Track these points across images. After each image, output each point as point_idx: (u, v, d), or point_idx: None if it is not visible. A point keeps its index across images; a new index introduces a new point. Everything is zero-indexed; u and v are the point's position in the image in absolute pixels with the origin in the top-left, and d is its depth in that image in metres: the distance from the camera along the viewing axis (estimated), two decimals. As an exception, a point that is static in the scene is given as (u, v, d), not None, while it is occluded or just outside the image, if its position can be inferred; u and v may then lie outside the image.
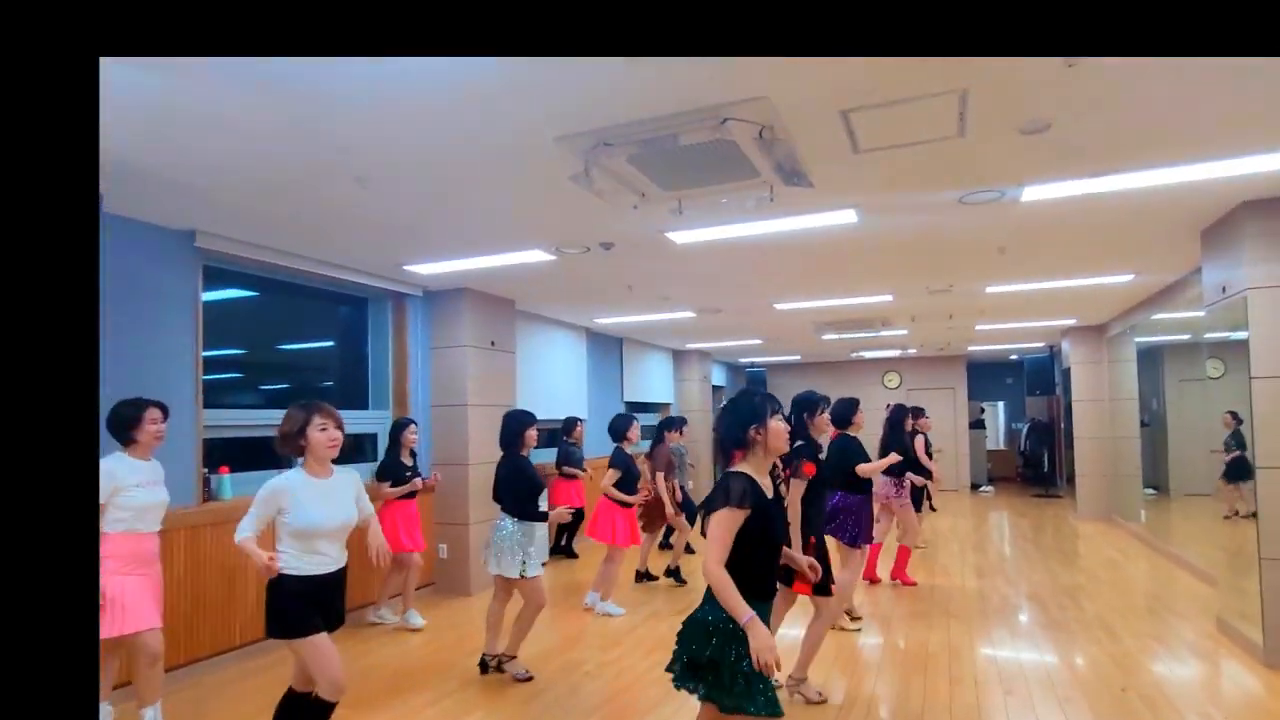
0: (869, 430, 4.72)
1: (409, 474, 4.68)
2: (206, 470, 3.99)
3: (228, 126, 2.57)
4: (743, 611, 1.87)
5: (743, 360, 13.24)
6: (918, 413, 6.72)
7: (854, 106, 2.52)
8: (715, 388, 11.90)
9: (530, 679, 3.65)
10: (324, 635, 2.36)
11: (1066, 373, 9.66)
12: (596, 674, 3.76)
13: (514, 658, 3.69)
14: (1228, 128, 2.79)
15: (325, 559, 2.40)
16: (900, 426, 5.85)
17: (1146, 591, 5.38)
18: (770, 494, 2.07)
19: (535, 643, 4.25)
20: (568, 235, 4.13)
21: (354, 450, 5.26)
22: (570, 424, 6.61)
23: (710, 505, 1.98)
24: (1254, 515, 3.78)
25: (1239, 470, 4.22)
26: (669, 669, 2.04)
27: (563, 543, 7.01)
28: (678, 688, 2.02)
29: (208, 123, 2.53)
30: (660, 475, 5.54)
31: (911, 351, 11.80)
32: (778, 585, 3.19)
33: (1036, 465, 12.54)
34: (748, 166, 2.93)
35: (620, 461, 4.97)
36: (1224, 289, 4.06)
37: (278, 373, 5.10)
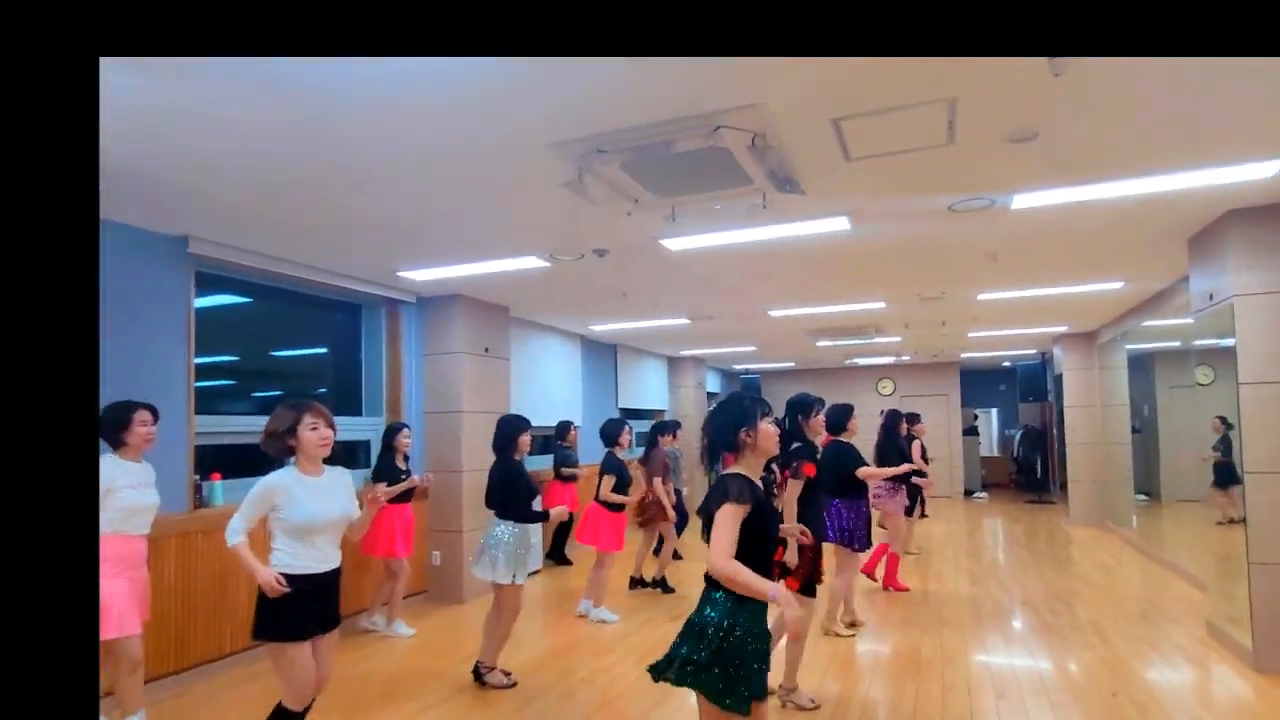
0: (863, 436, 4.75)
1: (404, 477, 4.68)
2: (198, 477, 3.97)
3: (220, 132, 2.58)
4: (765, 587, 1.87)
5: (737, 367, 13.27)
6: (913, 419, 6.75)
7: (845, 115, 2.55)
8: (710, 394, 11.91)
9: (514, 684, 3.65)
10: (305, 648, 2.32)
11: (1058, 379, 9.72)
12: (590, 680, 3.75)
13: (493, 668, 3.68)
14: (1212, 137, 2.83)
15: (321, 556, 2.38)
16: (895, 431, 5.87)
17: (1138, 597, 5.40)
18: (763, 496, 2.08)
19: (528, 650, 4.25)
20: (562, 242, 4.14)
21: (347, 457, 5.25)
22: (564, 428, 6.62)
23: (709, 507, 1.98)
24: (1243, 520, 3.81)
25: (1228, 475, 4.26)
26: (655, 668, 1.98)
27: (558, 549, 7.00)
28: (657, 679, 1.96)
29: (200, 128, 2.54)
30: (658, 479, 5.57)
31: (905, 358, 11.85)
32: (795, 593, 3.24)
33: (1029, 471, 12.59)
34: (740, 174, 2.95)
35: (613, 466, 4.97)
36: (1211, 296, 4.10)
37: (271, 379, 5.09)
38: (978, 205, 3.58)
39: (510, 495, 3.67)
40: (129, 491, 2.83)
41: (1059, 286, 5.78)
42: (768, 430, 2.06)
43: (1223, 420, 4.47)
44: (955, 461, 12.53)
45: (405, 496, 4.66)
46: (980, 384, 14.14)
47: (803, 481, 3.33)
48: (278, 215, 3.55)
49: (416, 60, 2.10)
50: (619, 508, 4.99)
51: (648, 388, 10.11)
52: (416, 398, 5.61)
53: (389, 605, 4.68)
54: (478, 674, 3.69)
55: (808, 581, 3.35)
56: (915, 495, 6.53)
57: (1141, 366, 7.75)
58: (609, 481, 4.92)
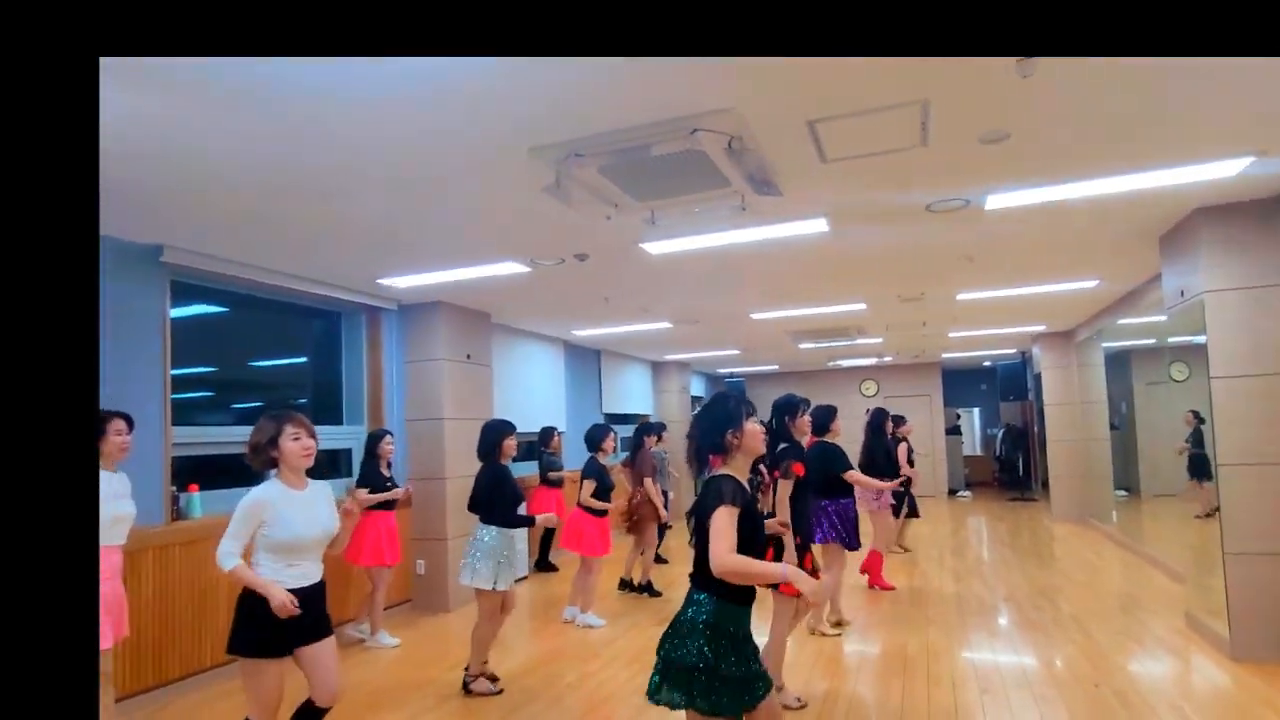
0: (848, 436, 4.78)
1: (388, 484, 4.64)
2: (175, 489, 3.92)
3: (193, 139, 2.55)
4: (774, 571, 1.91)
5: (721, 370, 13.31)
6: (899, 420, 6.80)
7: (820, 117, 2.58)
8: (694, 398, 11.94)
9: (501, 691, 3.63)
10: (276, 665, 2.29)
11: (1038, 378, 9.85)
12: (578, 685, 3.73)
13: (478, 675, 3.65)
14: (1178, 137, 2.89)
15: (304, 572, 2.35)
16: (881, 430, 5.92)
17: (1119, 590, 5.47)
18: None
19: (515, 657, 4.22)
20: (542, 247, 4.14)
21: (328, 466, 5.20)
22: (547, 434, 6.60)
23: (702, 510, 1.97)
24: (1217, 511, 3.88)
25: (1202, 468, 4.33)
26: (652, 692, 1.98)
27: (544, 556, 6.97)
28: (655, 702, 1.97)
29: (172, 135, 2.51)
30: (648, 479, 5.59)
31: (888, 359, 11.95)
32: (771, 593, 3.26)
33: (1012, 469, 12.73)
34: (718, 176, 2.97)
35: (593, 471, 4.97)
36: (1182, 293, 4.18)
37: (250, 390, 5.03)
38: (953, 206, 3.63)
39: (495, 499, 3.66)
40: (105, 502, 2.78)
41: (1035, 286, 5.86)
42: (754, 430, 2.07)
43: (1194, 414, 4.55)
44: (939, 461, 12.63)
45: (389, 505, 4.62)
46: (962, 384, 14.29)
47: (793, 481, 3.35)
48: (253, 223, 3.52)
49: (390, 64, 2.09)
50: (601, 512, 4.99)
51: (632, 392, 10.11)
52: (398, 406, 5.57)
53: (370, 616, 4.63)
54: (465, 683, 3.67)
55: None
56: (904, 495, 6.57)
57: (1118, 364, 7.87)
58: (589, 486, 4.91)
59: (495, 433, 3.74)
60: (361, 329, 5.50)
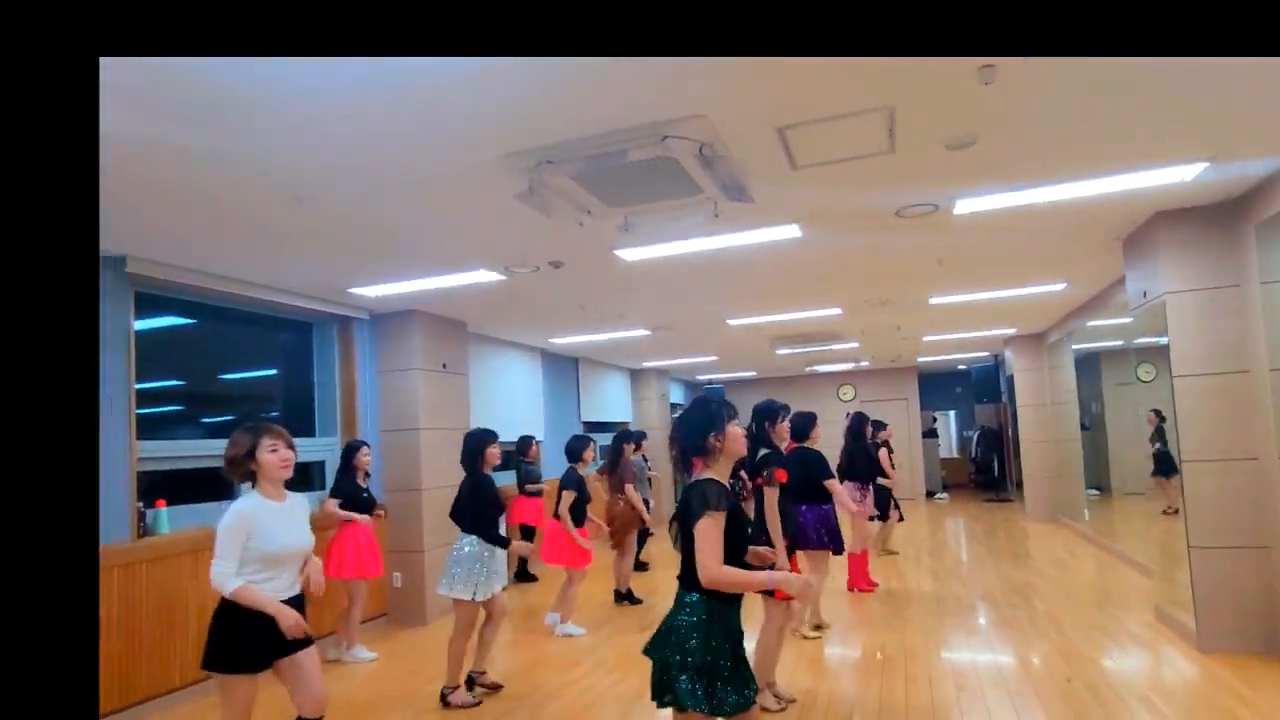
0: (827, 441, 4.83)
1: (365, 495, 4.58)
2: (142, 504, 3.83)
3: (154, 146, 2.51)
4: (761, 580, 1.97)
5: (700, 377, 13.35)
6: (879, 425, 6.86)
7: (789, 124, 2.61)
8: (674, 405, 11.96)
9: (479, 703, 3.60)
10: (250, 681, 2.26)
11: (1010, 380, 10.01)
12: (557, 695, 3.70)
13: (457, 686, 3.62)
14: (1137, 142, 2.97)
15: (284, 584, 2.32)
16: (861, 435, 5.98)
17: (1091, 587, 5.57)
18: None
19: (495, 667, 4.17)
20: (516, 254, 4.13)
21: (301, 478, 5.12)
22: (525, 443, 6.57)
23: (687, 516, 1.99)
24: (1176, 510, 3.96)
25: (1168, 465, 4.43)
26: (655, 695, 1.99)
27: (523, 566, 6.91)
28: (662, 705, 1.99)
29: (137, 142, 2.47)
30: (629, 485, 5.60)
31: (865, 364, 12.08)
32: (762, 596, 3.29)
33: (987, 471, 12.91)
34: (690, 183, 3.00)
35: (572, 482, 4.94)
36: (1145, 294, 4.29)
37: (220, 403, 4.94)
38: (923, 211, 3.69)
39: (477, 509, 3.64)
40: None
41: (1005, 289, 5.97)
42: (735, 433, 2.10)
43: (1156, 413, 4.66)
44: (916, 464, 12.77)
45: (364, 514, 4.56)
46: (937, 387, 14.48)
47: (777, 488, 3.37)
48: (219, 232, 3.46)
49: (357, 68, 2.08)
50: (579, 522, 4.96)
51: (611, 400, 10.10)
52: (372, 416, 5.51)
53: (347, 630, 4.55)
54: (469, 683, 3.67)
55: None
56: (887, 499, 6.64)
57: (1088, 365, 8.04)
58: (568, 497, 4.89)
59: (478, 441, 3.73)
60: (333, 339, 5.44)
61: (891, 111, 2.56)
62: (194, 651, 3.84)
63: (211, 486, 4.35)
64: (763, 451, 3.45)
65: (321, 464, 5.28)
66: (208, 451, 4.37)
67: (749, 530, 2.16)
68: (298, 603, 2.36)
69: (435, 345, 5.64)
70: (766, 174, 3.06)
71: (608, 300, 5.58)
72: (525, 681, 3.93)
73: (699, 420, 2.09)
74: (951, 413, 15.15)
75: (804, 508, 4.34)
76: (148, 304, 4.07)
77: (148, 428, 4.01)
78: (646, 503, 6.20)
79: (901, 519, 7.32)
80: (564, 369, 8.74)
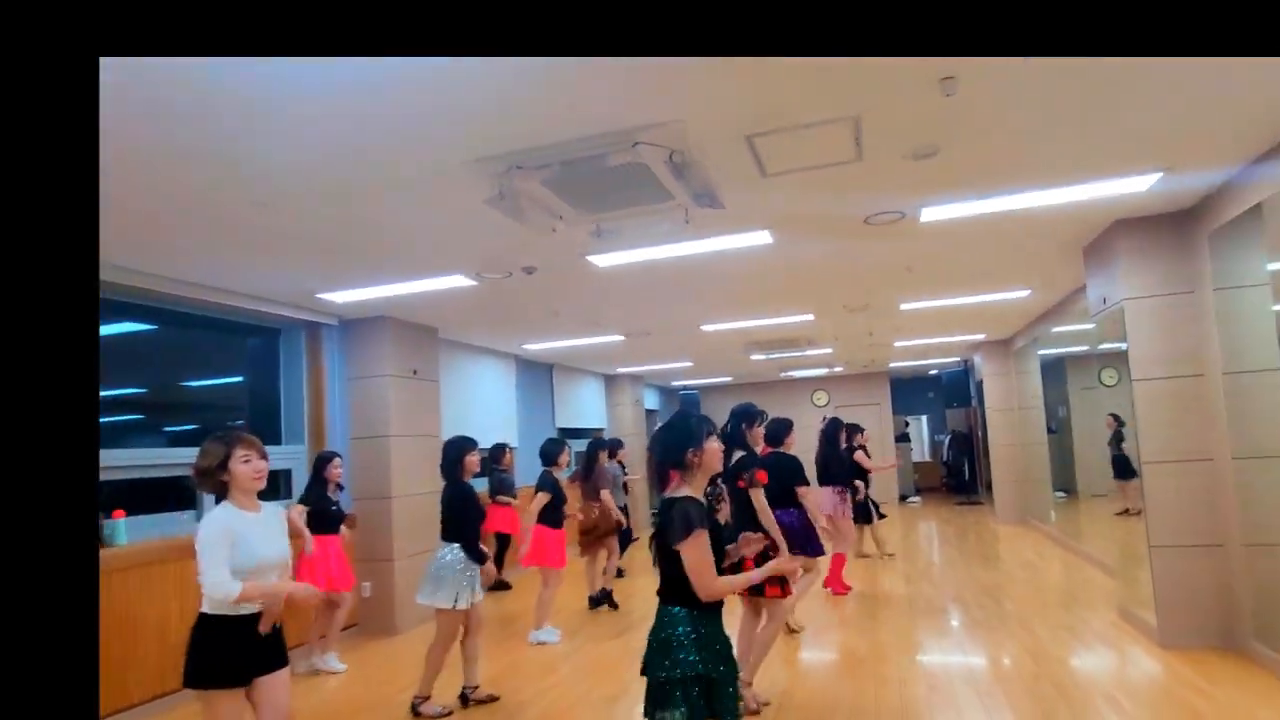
0: (801, 447, 4.88)
1: (334, 508, 4.51)
2: (100, 515, 3.72)
3: (119, 147, 2.46)
4: (755, 576, 2.09)
5: (675, 383, 13.38)
6: (855, 429, 6.94)
7: (758, 132, 2.64)
8: (649, 411, 11.96)
9: (449, 713, 3.56)
10: (237, 695, 2.21)
11: (980, 385, 10.20)
12: (533, 702, 3.67)
13: (428, 696, 3.57)
14: (1094, 153, 3.05)
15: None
16: (836, 441, 6.05)
17: (1058, 587, 5.68)
18: None
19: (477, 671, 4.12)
20: (488, 260, 4.11)
21: (268, 487, 5.01)
22: (499, 451, 6.52)
23: (667, 535, 2.01)
24: (1127, 511, 4.07)
25: (1122, 469, 4.55)
26: (650, 714, 2.01)
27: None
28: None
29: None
30: (605, 491, 5.63)
31: (838, 369, 12.21)
32: (749, 595, 3.39)
33: (958, 474, 13.11)
34: (661, 189, 3.01)
35: (547, 484, 4.93)
36: (1105, 301, 4.40)
37: (183, 411, 4.83)
38: (890, 218, 3.75)
39: (458, 517, 3.62)
40: None
41: (972, 296, 6.09)
42: (714, 450, 2.12)
43: (1114, 417, 4.77)
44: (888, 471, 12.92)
45: (333, 528, 4.48)
46: (909, 392, 14.69)
47: (761, 488, 3.39)
48: (182, 236, 3.39)
49: (322, 70, 2.06)
50: (558, 525, 4.96)
51: (585, 406, 10.08)
52: (341, 424, 5.43)
53: (325, 638, 4.49)
54: (464, 699, 3.62)
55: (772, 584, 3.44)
56: (865, 502, 6.73)
57: (1054, 370, 8.22)
58: (543, 498, 4.86)
59: (457, 449, 3.70)
60: (301, 345, 5.35)
61: (857, 121, 2.60)
62: (153, 667, 3.75)
63: (172, 497, 4.25)
64: (739, 454, 3.48)
65: (288, 473, 5.18)
66: (169, 460, 4.27)
67: (723, 535, 2.19)
68: (252, 623, 2.28)
69: (406, 351, 5.58)
70: (737, 181, 3.09)
71: (581, 306, 5.58)
72: (499, 688, 3.89)
73: (679, 435, 2.11)
74: (924, 417, 15.37)
75: (778, 512, 4.37)
76: (108, 309, 3.97)
77: (107, 436, 3.90)
78: (625, 509, 6.22)
79: (883, 516, 7.41)
80: (538, 375, 8.71)
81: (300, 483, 5.13)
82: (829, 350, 9.28)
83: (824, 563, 4.79)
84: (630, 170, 2.79)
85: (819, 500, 5.50)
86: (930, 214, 3.69)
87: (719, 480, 3.11)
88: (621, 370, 10.59)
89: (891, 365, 12.19)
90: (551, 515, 4.94)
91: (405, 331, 5.59)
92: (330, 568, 4.37)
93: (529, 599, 5.10)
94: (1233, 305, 3.71)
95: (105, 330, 3.99)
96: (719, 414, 3.24)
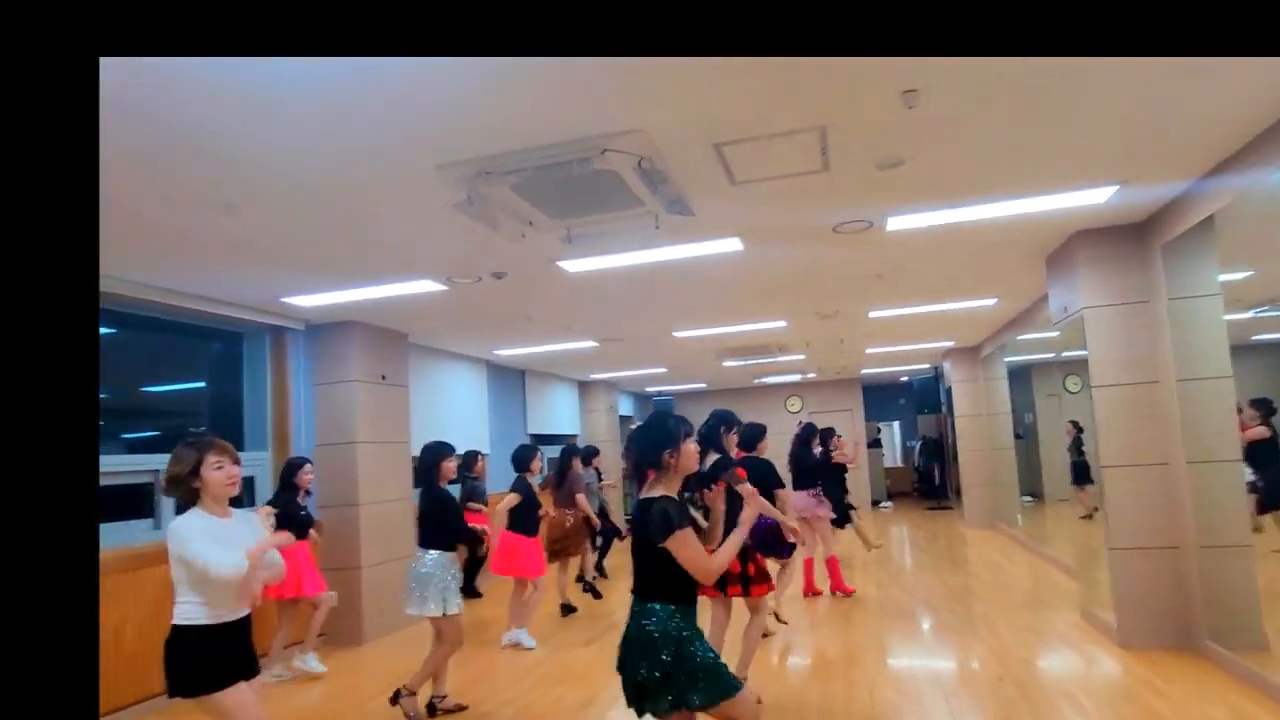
0: (774, 453, 4.91)
1: (303, 514, 4.44)
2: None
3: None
4: (741, 537, 2.18)
5: (650, 389, 13.39)
6: (829, 434, 7.00)
7: (725, 140, 2.66)
8: (623, 418, 11.95)
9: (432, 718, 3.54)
10: (245, 685, 2.21)
11: (949, 391, 10.37)
12: (497, 712, 3.63)
13: (414, 694, 3.55)
14: (1053, 166, 3.13)
15: (235, 604, 2.24)
16: (809, 444, 6.12)
17: (1023, 590, 5.78)
18: None
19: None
20: (457, 265, 4.08)
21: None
22: (471, 458, 6.45)
23: (645, 534, 2.05)
24: (1092, 515, 4.16)
25: (1081, 474, 4.65)
26: (638, 709, 2.05)
27: (469, 582, 6.78)
28: (644, 712, 2.05)
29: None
30: (580, 495, 5.68)
31: (811, 376, 12.33)
32: (716, 593, 3.46)
33: (929, 480, 13.30)
34: (631, 196, 3.01)
35: (521, 488, 4.90)
36: (1066, 309, 4.51)
37: (143, 417, 4.71)
38: (858, 227, 3.80)
39: (435, 523, 3.61)
40: None
41: (940, 304, 6.20)
42: (690, 451, 2.17)
43: (1074, 424, 4.88)
44: (862, 474, 13.06)
45: (301, 533, 4.41)
46: (881, 398, 14.87)
47: (745, 482, 3.41)
48: (141, 238, 3.31)
49: (286, 71, 2.03)
50: (532, 532, 4.93)
51: (558, 413, 10.03)
52: (307, 430, 5.33)
53: (304, 640, 4.49)
54: (431, 708, 3.58)
55: (744, 582, 3.49)
56: (842, 504, 6.82)
57: (1021, 377, 8.40)
58: (512, 498, 4.83)
59: (433, 455, 3.69)
60: (265, 350, 5.25)
61: (824, 132, 2.64)
62: (108, 679, 3.64)
63: (130, 505, 4.15)
64: (715, 456, 3.52)
65: (251, 480, 5.07)
66: (128, 468, 4.16)
67: (702, 533, 2.26)
68: (245, 626, 2.28)
69: (374, 357, 5.51)
70: (706, 188, 3.11)
71: (552, 312, 5.56)
72: (468, 697, 3.84)
73: (657, 436, 2.16)
74: (895, 423, 15.57)
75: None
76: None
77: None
78: (603, 514, 6.25)
79: (853, 508, 7.47)
80: (510, 381, 8.65)
81: (263, 489, 5.03)
82: (801, 357, 9.37)
83: (796, 562, 4.86)
84: (599, 176, 2.79)
85: (795, 503, 5.58)
86: (897, 223, 3.75)
87: (703, 489, 3.15)
88: (595, 376, 10.57)
89: (864, 372, 12.34)
90: (525, 522, 4.91)
91: (374, 336, 5.52)
92: (300, 572, 4.33)
93: (500, 607, 5.05)
94: (1186, 315, 3.83)
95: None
96: (694, 420, 3.27)
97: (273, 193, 2.89)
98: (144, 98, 2.10)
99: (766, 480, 4.44)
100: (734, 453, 3.92)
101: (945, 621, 4.89)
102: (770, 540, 4.49)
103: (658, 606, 2.04)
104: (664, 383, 12.27)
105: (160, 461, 4.28)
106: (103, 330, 4.27)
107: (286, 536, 2.44)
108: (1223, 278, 3.81)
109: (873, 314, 6.49)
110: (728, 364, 9.41)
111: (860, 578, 6.57)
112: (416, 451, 5.55)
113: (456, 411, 7.22)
